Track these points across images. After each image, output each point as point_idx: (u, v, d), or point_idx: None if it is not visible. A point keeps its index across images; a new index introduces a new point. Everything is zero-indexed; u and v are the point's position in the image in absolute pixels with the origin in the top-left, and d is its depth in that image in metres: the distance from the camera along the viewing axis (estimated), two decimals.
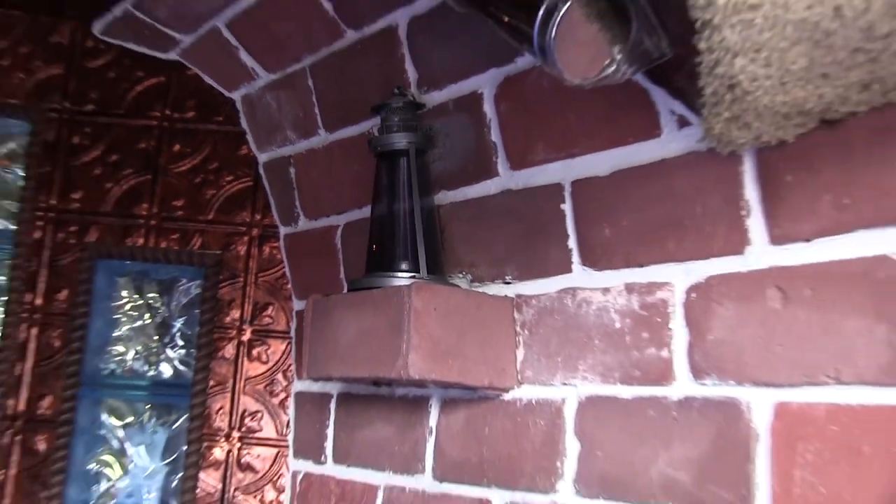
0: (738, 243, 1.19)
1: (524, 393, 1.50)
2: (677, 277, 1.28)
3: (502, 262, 1.57)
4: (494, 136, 1.55)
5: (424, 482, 1.67)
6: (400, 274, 1.56)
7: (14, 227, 2.21)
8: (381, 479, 1.78)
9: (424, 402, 1.71)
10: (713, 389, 1.21)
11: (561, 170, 1.45)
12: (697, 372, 1.24)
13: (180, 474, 2.09)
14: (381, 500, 1.77)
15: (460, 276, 1.65)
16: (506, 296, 1.55)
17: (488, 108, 1.55)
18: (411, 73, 1.68)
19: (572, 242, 1.43)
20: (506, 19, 1.15)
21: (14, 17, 2.23)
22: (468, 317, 1.49)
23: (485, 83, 1.55)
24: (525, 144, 1.51)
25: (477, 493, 1.56)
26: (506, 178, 1.55)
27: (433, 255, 1.61)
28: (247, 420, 2.09)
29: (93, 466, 2.17)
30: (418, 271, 1.56)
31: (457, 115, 1.62)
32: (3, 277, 2.23)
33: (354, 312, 1.55)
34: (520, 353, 1.52)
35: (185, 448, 2.09)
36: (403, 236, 1.60)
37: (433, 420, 1.68)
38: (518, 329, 1.53)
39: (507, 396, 1.53)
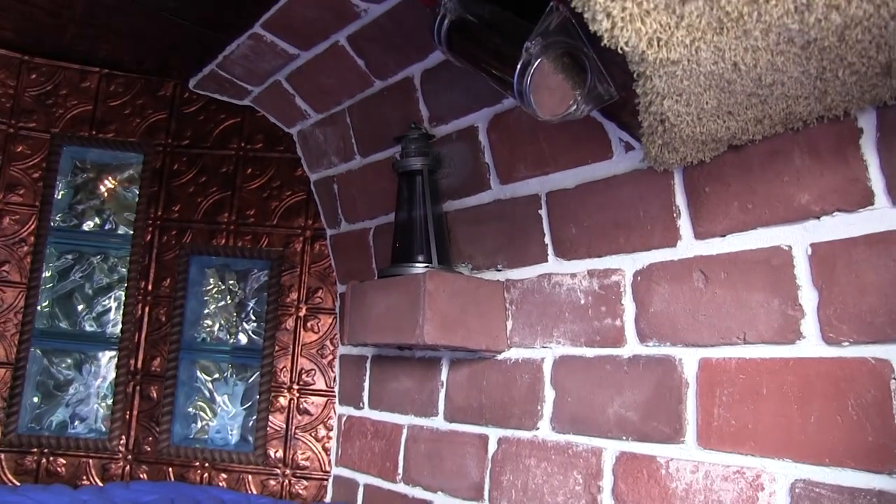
0: (671, 238, 1.20)
1: (512, 354, 1.51)
2: (626, 265, 1.28)
3: (494, 254, 1.58)
4: (487, 158, 1.56)
5: (438, 422, 1.68)
6: (417, 264, 1.58)
7: (132, 232, 2.21)
8: (405, 420, 1.79)
9: (437, 361, 1.72)
10: (654, 349, 1.22)
11: (538, 184, 1.46)
12: (642, 336, 1.24)
13: (255, 416, 2.09)
14: (405, 436, 1.78)
15: (463, 265, 1.65)
16: (498, 280, 1.56)
17: (482, 137, 1.56)
18: (424, 111, 1.69)
19: (548, 239, 1.44)
20: (493, 72, 1.16)
21: (133, 79, 2.23)
22: (469, 296, 1.50)
23: (479, 119, 1.56)
24: (510, 165, 1.51)
25: (478, 431, 1.57)
26: (497, 191, 1.56)
27: (442, 249, 1.62)
28: (303, 376, 2.09)
29: (191, 410, 2.17)
30: (431, 262, 1.58)
31: (459, 143, 1.63)
32: (124, 269, 2.23)
33: (383, 294, 1.56)
34: (509, 324, 1.53)
35: (257, 397, 2.10)
36: (419, 235, 1.61)
37: (444, 375, 1.69)
38: (507, 305, 1.54)
39: (499, 357, 1.54)
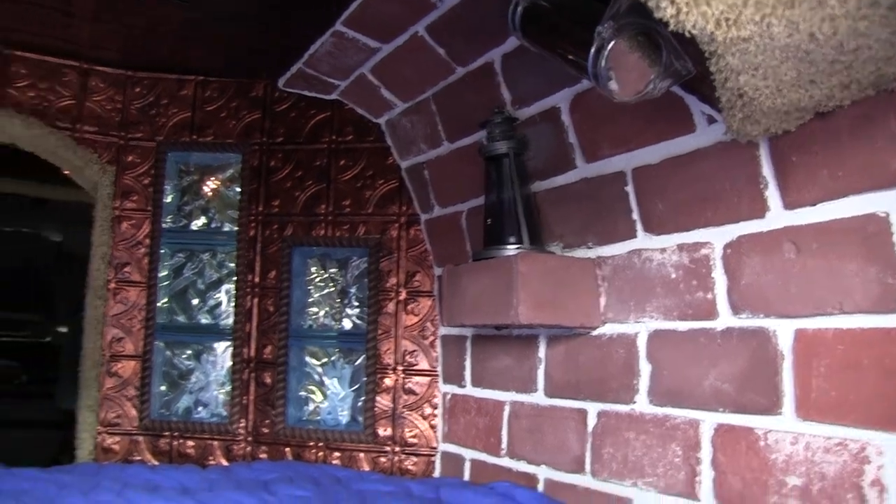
0: (759, 210, 1.18)
1: (607, 329, 1.52)
2: (715, 238, 1.27)
3: (584, 232, 1.58)
4: (571, 138, 1.56)
5: (538, 398, 1.71)
6: (509, 246, 1.60)
7: (236, 229, 2.32)
8: (506, 396, 1.83)
9: (534, 339, 1.74)
10: (747, 322, 1.21)
11: (623, 160, 1.45)
12: (735, 309, 1.23)
13: (363, 398, 2.17)
14: (507, 412, 1.82)
15: (554, 244, 1.66)
16: (589, 258, 1.56)
17: (565, 117, 1.56)
18: (506, 95, 1.70)
19: (635, 215, 1.43)
20: (568, 56, 1.17)
21: (226, 83, 2.33)
22: (561, 275, 1.52)
23: (561, 99, 1.56)
24: (594, 143, 1.51)
25: (577, 405, 1.59)
26: (582, 169, 1.56)
27: (533, 229, 1.63)
28: (407, 357, 2.15)
29: (303, 393, 2.27)
30: (522, 243, 1.59)
31: (542, 124, 1.63)
32: (232, 264, 2.34)
33: (477, 276, 1.59)
34: (602, 300, 1.53)
35: (364, 379, 2.17)
36: (510, 217, 1.62)
37: (542, 352, 1.71)
38: (599, 282, 1.54)
39: (594, 333, 1.55)
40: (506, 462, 1.80)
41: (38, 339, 5.00)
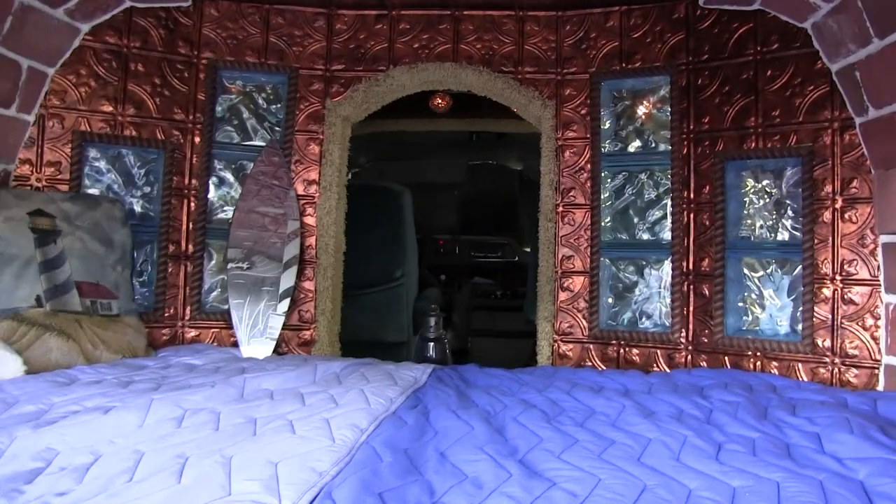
0: None
1: None
2: None
3: None
4: None
5: None
6: None
7: (670, 148, 2.59)
8: None
9: None
10: None
11: None
12: None
13: (800, 308, 2.30)
14: None
15: None
16: None
17: None
18: None
19: None
20: None
21: (649, 9, 2.61)
22: None
23: None
24: None
25: None
26: None
27: None
28: (845, 266, 2.21)
29: (740, 304, 2.46)
30: None
31: None
32: (667, 182, 2.63)
33: None
34: None
35: (801, 289, 2.29)
36: None
37: None
38: None
39: None
40: None
41: (509, 259, 5.88)
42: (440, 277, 5.90)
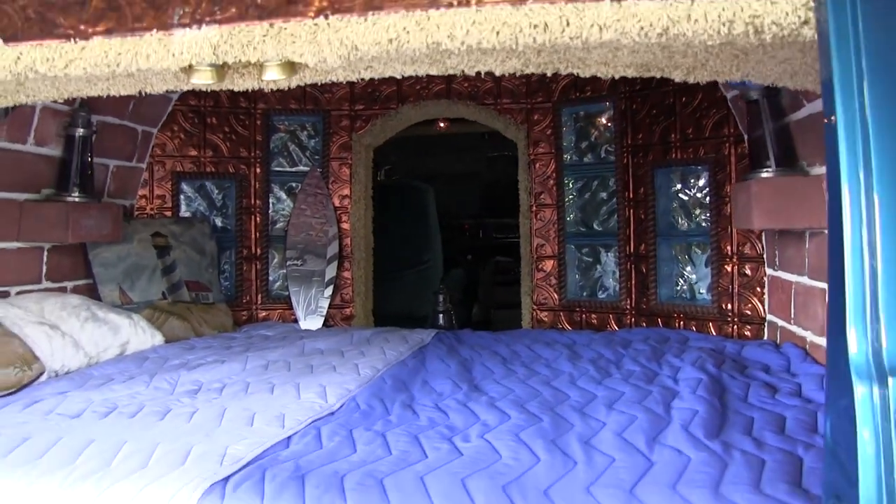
0: None
1: None
2: None
3: None
4: None
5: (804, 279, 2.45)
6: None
7: (613, 158, 3.42)
8: (791, 277, 2.57)
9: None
10: None
11: None
12: None
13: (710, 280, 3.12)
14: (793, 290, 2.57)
15: None
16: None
17: None
18: None
19: None
20: None
21: None
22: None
23: None
24: None
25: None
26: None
27: None
28: (740, 248, 2.92)
29: (669, 278, 3.24)
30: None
31: None
32: (614, 186, 3.44)
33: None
34: None
35: (710, 266, 3.11)
36: None
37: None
38: None
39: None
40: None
41: None
42: (467, 257, 6.69)
